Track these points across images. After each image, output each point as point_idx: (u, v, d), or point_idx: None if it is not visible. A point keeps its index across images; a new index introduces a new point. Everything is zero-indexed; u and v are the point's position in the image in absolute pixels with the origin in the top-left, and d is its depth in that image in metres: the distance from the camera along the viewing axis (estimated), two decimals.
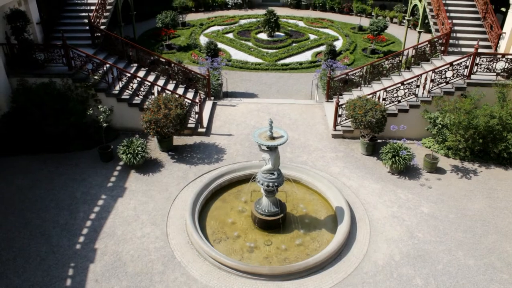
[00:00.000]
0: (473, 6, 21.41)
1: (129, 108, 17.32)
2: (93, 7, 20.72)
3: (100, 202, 13.59)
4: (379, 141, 16.88)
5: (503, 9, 21.74)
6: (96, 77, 17.15)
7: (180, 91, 19.38)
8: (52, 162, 15.51)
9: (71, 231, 12.41)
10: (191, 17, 34.61)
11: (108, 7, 21.79)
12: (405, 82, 17.15)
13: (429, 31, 23.50)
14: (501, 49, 18.61)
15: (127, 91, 17.57)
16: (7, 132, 15.67)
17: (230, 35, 30.50)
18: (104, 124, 15.48)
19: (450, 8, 21.12)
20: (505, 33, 18.49)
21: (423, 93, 17.31)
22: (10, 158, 15.59)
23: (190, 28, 31.86)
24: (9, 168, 15.09)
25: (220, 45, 27.82)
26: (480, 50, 16.94)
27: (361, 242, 12.24)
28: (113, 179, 14.74)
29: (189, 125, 17.24)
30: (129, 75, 17.85)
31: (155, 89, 17.93)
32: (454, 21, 20.22)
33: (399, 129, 15.96)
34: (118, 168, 15.32)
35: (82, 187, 14.25)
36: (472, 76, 16.92)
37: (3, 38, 16.72)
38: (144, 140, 15.60)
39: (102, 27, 20.31)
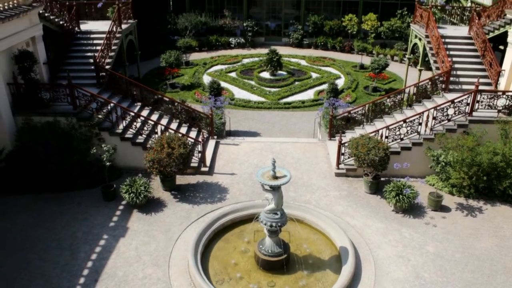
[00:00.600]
0: (472, 44, 21.76)
1: (132, 147, 17.40)
2: (98, 47, 21.12)
3: (102, 242, 13.46)
4: (382, 179, 16.81)
5: (501, 47, 22.07)
6: (100, 116, 17.32)
7: (183, 130, 19.50)
8: (55, 200, 15.48)
9: (72, 272, 12.24)
10: (194, 56, 35.17)
11: (113, 47, 22.20)
12: (407, 120, 17.23)
13: (429, 68, 23.78)
14: (501, 86, 18.77)
15: (130, 130, 17.70)
16: (12, 171, 15.73)
17: (233, 74, 30.91)
18: (107, 163, 15.52)
19: (449, 46, 21.45)
20: (504, 70, 18.69)
21: (425, 130, 17.37)
22: (14, 197, 15.58)
23: (194, 67, 32.34)
24: (13, 207, 15.07)
25: (223, 84, 28.14)
26: (480, 88, 17.06)
27: (366, 283, 12.01)
28: (115, 218, 14.65)
29: (192, 164, 17.26)
30: (132, 114, 18.02)
31: (159, 128, 18.04)
32: (454, 59, 20.50)
33: (403, 167, 15.92)
34: (121, 207, 15.25)
35: (84, 227, 14.16)
36: (474, 113, 17.01)
37: (10, 78, 17.00)
38: (147, 179, 15.59)
39: (107, 66, 20.65)
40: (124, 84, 20.02)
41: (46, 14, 20.20)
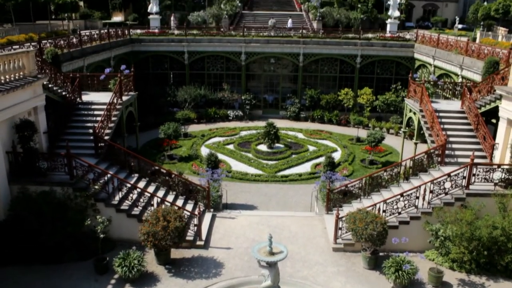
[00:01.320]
0: (465, 118, 22.22)
1: (127, 219, 17.18)
2: (99, 118, 21.46)
3: None
4: (381, 254, 16.46)
5: (494, 121, 22.51)
6: (96, 187, 17.24)
7: (180, 202, 19.36)
8: (45, 273, 15.03)
9: None
10: (193, 128, 35.68)
11: (113, 119, 22.56)
12: (404, 194, 17.20)
13: (425, 141, 24.09)
14: (496, 159, 18.93)
15: (126, 201, 17.56)
16: (2, 241, 15.38)
17: (231, 146, 31.21)
18: (101, 235, 15.24)
19: (443, 120, 21.86)
20: (498, 143, 18.93)
21: (423, 204, 17.28)
22: (2, 269, 15.12)
23: (192, 139, 32.72)
24: (1, 280, 14.58)
25: (221, 156, 28.34)
26: (476, 161, 17.20)
27: None
28: None
29: (187, 238, 16.96)
30: (129, 185, 17.97)
31: (155, 200, 17.92)
32: (448, 132, 20.82)
33: (401, 241, 15.64)
34: (113, 281, 14.79)
35: None
36: (471, 187, 17.01)
37: (10, 146, 17.10)
38: (141, 253, 15.25)
39: (106, 137, 20.87)
40: (122, 155, 20.13)
41: (50, 85, 20.75)
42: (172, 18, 48.57)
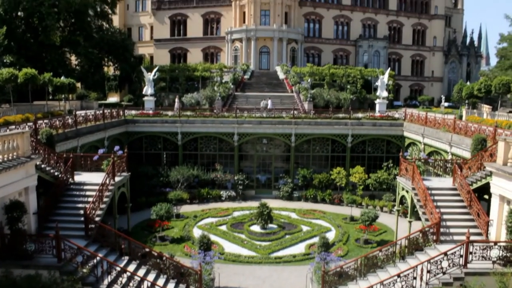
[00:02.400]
0: (458, 195, 22.23)
1: None
2: (90, 199, 21.24)
3: None
4: None
5: (486, 197, 22.52)
6: (85, 270, 16.72)
7: (171, 286, 18.73)
8: None
9: None
10: (185, 208, 35.30)
11: (105, 199, 22.35)
12: (401, 274, 16.79)
13: (419, 218, 23.89)
14: (492, 236, 18.70)
15: (115, 285, 16.97)
16: None
17: (224, 227, 30.73)
18: None
19: (436, 198, 21.85)
20: (492, 220, 18.80)
21: (421, 285, 16.80)
22: None
23: (184, 220, 32.26)
24: None
25: (214, 237, 27.82)
26: (471, 238, 16.99)
27: None
28: None
29: None
30: (119, 269, 17.44)
31: (145, 285, 17.32)
32: (442, 210, 20.74)
33: None
34: None
35: None
36: (469, 265, 16.67)
37: None
38: None
39: (97, 218, 20.54)
40: (112, 236, 19.74)
41: (43, 166, 20.74)
42: (176, 100, 49.82)
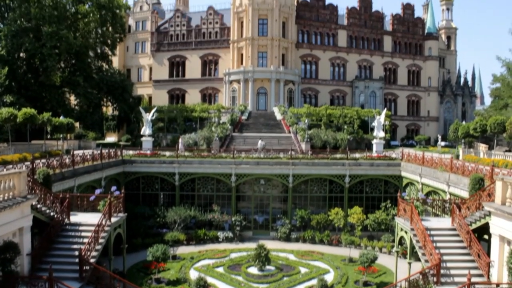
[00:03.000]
0: (457, 235, 22.04)
1: None
2: (85, 240, 20.96)
3: None
4: None
5: (486, 237, 22.31)
6: None
7: None
8: None
9: None
10: (182, 250, 34.78)
11: (100, 241, 22.05)
12: None
13: (419, 259, 23.57)
14: (494, 277, 18.42)
15: None
16: None
17: (221, 269, 30.19)
18: None
19: (435, 238, 21.65)
20: (493, 261, 18.56)
21: None
22: None
23: (181, 262, 31.71)
24: None
25: (210, 280, 27.31)
26: (473, 280, 16.72)
27: None
28: None
29: None
30: None
31: None
32: (442, 250, 20.50)
33: None
34: None
35: None
36: None
37: None
38: None
39: (92, 260, 20.22)
40: (107, 278, 19.44)
41: (39, 206, 20.57)
42: (180, 140, 49.97)
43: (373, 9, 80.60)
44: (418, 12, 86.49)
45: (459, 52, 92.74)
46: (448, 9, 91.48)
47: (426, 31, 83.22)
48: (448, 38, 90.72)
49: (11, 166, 24.70)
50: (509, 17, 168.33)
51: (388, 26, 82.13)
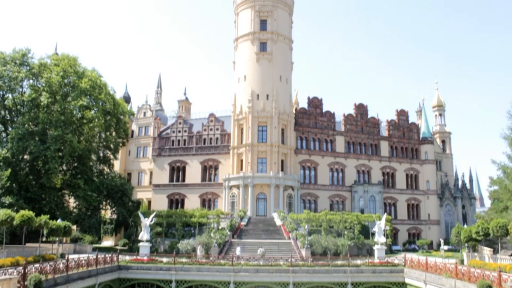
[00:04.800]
0: None
1: None
2: None
3: None
4: None
5: None
6: None
7: None
8: None
9: None
10: None
11: None
12: None
13: None
14: None
15: None
16: None
17: None
18: None
19: None
20: None
21: None
22: None
23: None
24: None
25: None
26: None
27: None
28: None
29: None
30: None
31: None
32: None
33: None
34: None
35: None
36: None
37: None
38: None
39: None
40: None
41: None
42: (199, 247, 49.13)
43: (369, 116, 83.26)
44: (412, 118, 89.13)
45: (454, 155, 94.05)
46: (440, 114, 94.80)
47: (421, 135, 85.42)
48: (443, 141, 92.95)
49: (1, 271, 23.92)
50: (502, 121, 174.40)
51: (384, 132, 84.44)
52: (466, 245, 47.75)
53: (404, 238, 78.97)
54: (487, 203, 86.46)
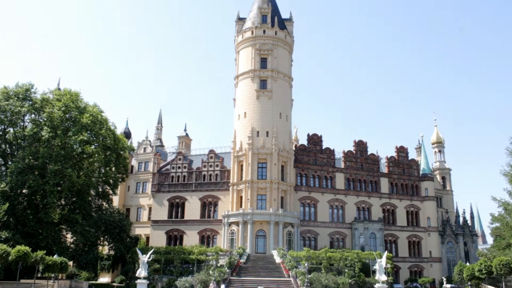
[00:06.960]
0: None
1: None
2: None
3: None
4: None
5: None
6: None
7: None
8: None
9: None
10: None
11: None
12: None
13: None
14: None
15: None
16: None
17: None
18: None
19: None
20: None
21: None
22: None
23: None
24: None
25: None
26: None
27: None
28: None
29: None
30: None
31: None
32: None
33: None
34: None
35: None
36: None
37: None
38: None
39: None
40: None
41: None
42: (197, 285, 48.45)
43: (369, 152, 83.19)
44: (412, 154, 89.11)
45: (455, 192, 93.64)
46: (440, 151, 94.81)
47: (421, 172, 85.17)
48: (443, 178, 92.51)
49: None
50: (502, 158, 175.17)
51: (384, 168, 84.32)
52: (469, 283, 47.03)
53: (406, 276, 77.62)
54: (489, 240, 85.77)
